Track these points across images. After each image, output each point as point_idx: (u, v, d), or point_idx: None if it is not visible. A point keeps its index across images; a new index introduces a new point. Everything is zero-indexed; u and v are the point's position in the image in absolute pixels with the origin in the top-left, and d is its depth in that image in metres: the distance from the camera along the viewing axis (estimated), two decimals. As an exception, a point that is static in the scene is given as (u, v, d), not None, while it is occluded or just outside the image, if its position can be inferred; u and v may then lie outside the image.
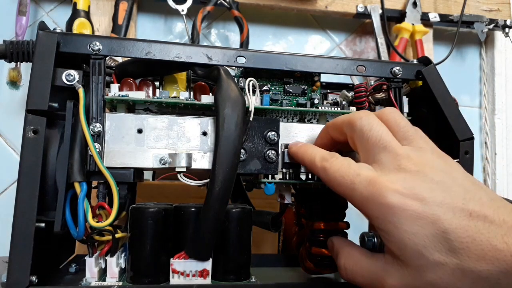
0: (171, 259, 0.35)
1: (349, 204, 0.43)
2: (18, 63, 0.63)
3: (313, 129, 0.40)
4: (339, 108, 0.41)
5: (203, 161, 0.37)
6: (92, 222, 0.34)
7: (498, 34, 0.94)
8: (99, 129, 0.35)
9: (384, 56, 0.81)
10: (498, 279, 0.24)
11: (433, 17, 0.86)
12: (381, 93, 0.43)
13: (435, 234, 0.25)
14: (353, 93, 0.42)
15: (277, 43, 0.89)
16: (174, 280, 0.35)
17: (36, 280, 0.32)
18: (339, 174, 0.30)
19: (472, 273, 0.24)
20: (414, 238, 0.26)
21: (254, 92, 0.38)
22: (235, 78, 0.39)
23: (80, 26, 0.72)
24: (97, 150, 0.34)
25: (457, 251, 0.24)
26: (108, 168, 0.34)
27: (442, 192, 0.26)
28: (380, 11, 0.83)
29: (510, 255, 0.23)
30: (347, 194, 0.30)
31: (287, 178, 0.38)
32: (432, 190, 0.27)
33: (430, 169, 0.28)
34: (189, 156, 0.36)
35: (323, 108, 0.41)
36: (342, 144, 0.36)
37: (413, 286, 0.26)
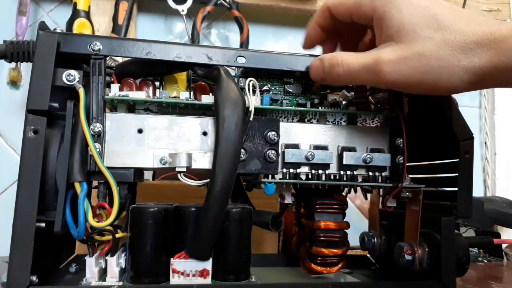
0: (171, 259, 0.35)
1: (349, 204, 0.43)
2: (18, 63, 0.63)
3: (313, 129, 0.40)
4: (339, 108, 0.41)
5: (203, 161, 0.37)
6: (92, 222, 0.34)
7: (498, 34, 0.94)
8: (100, 129, 0.35)
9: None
10: (470, 47, 0.31)
11: (433, 17, 0.86)
12: (381, 93, 0.43)
13: (428, 16, 0.32)
14: (353, 93, 0.42)
15: (277, 43, 0.89)
16: (174, 280, 0.35)
17: (36, 280, 0.32)
18: None
19: (451, 43, 0.31)
20: (412, 18, 0.33)
21: (254, 92, 0.38)
22: (235, 78, 0.39)
23: (80, 26, 0.72)
24: (98, 150, 0.34)
25: (442, 28, 0.32)
26: (108, 168, 0.34)
27: None
28: (380, 11, 0.83)
29: (482, 31, 0.31)
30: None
31: (287, 178, 0.38)
32: None
33: None
34: (189, 156, 0.36)
35: (323, 108, 0.41)
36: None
37: (404, 56, 0.32)
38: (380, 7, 0.34)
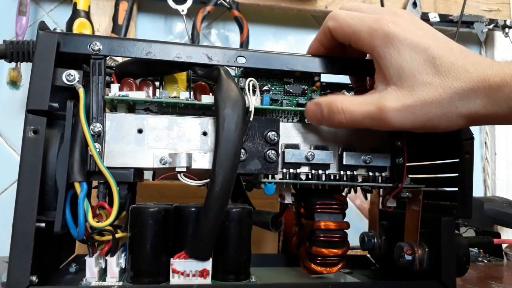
0: (171, 259, 0.35)
1: (349, 204, 0.43)
2: (18, 63, 0.63)
3: (313, 129, 0.40)
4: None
5: (203, 161, 0.37)
6: (92, 222, 0.34)
7: (498, 34, 0.94)
8: (99, 129, 0.35)
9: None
10: (467, 93, 0.32)
11: (433, 17, 0.86)
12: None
13: (426, 59, 0.33)
14: (353, 93, 0.42)
15: (277, 43, 0.89)
16: (174, 280, 0.35)
17: (36, 280, 0.32)
18: (348, 17, 0.37)
19: (450, 89, 0.32)
20: (411, 62, 0.33)
21: (254, 92, 0.38)
22: (235, 78, 0.39)
23: (80, 26, 0.73)
24: (97, 150, 0.34)
25: (441, 73, 0.32)
26: (108, 168, 0.34)
27: (430, 32, 0.35)
28: (380, 11, 0.83)
29: (477, 76, 0.32)
30: (356, 30, 0.36)
31: (287, 178, 0.38)
32: (423, 30, 0.35)
33: (418, 20, 0.36)
34: (189, 156, 0.36)
35: (323, 108, 0.41)
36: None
37: (408, 104, 0.33)
38: (380, 46, 0.34)
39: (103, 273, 0.37)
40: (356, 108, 0.35)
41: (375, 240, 0.47)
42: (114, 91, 0.37)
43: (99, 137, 0.35)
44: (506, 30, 0.89)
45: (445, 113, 0.33)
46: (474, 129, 0.42)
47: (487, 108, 0.32)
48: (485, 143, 0.95)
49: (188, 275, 0.35)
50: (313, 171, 0.39)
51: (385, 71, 0.35)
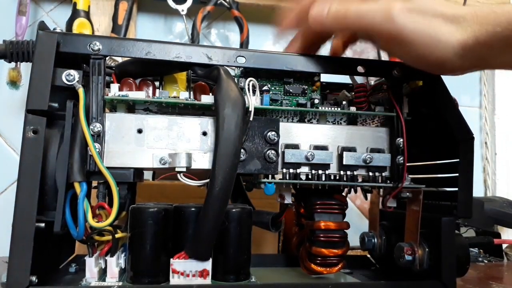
0: (171, 259, 0.35)
1: (349, 204, 0.43)
2: (18, 63, 0.63)
3: (313, 129, 0.40)
4: (339, 108, 0.41)
5: (203, 161, 0.37)
6: (92, 222, 0.34)
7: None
8: (99, 129, 0.35)
9: (384, 56, 0.81)
10: (459, 20, 0.33)
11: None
12: (381, 93, 0.43)
13: None
14: (353, 93, 0.42)
15: (277, 43, 0.89)
16: (174, 280, 0.35)
17: (36, 280, 0.32)
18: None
19: (443, 15, 0.33)
20: None
21: (254, 92, 0.38)
22: (235, 78, 0.39)
23: (80, 26, 0.72)
24: (97, 150, 0.34)
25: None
26: (108, 168, 0.34)
27: None
28: (380, 11, 0.83)
29: (467, 9, 0.33)
30: None
31: (287, 178, 0.38)
32: None
33: None
34: (189, 156, 0.36)
35: (323, 108, 0.41)
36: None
37: (411, 8, 0.34)
38: None
39: (103, 273, 0.37)
40: (364, 5, 0.36)
41: (375, 240, 0.47)
42: (114, 91, 0.37)
43: (98, 137, 0.35)
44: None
45: (441, 31, 0.33)
46: (474, 129, 0.42)
47: (476, 35, 0.32)
48: (485, 143, 0.95)
49: (188, 275, 0.35)
50: (313, 171, 0.39)
51: None
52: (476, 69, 0.36)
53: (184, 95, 0.38)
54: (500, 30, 0.31)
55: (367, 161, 0.39)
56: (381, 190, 0.44)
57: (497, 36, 0.31)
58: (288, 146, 0.39)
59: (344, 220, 0.42)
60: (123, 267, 0.38)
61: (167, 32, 0.85)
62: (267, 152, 0.37)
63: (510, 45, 0.32)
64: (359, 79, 0.44)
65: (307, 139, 0.40)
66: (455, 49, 0.33)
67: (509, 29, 0.31)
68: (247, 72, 0.40)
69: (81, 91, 0.35)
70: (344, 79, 0.44)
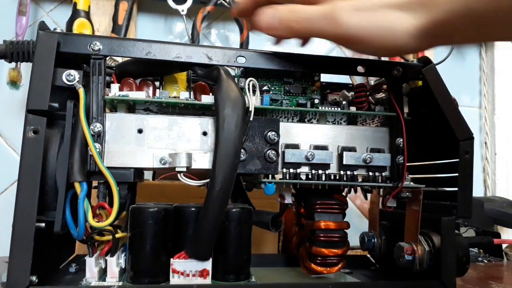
0: (171, 259, 0.35)
1: (349, 204, 0.43)
2: (18, 63, 0.63)
3: (313, 129, 0.40)
4: (339, 108, 0.41)
5: (203, 161, 0.37)
6: (92, 222, 0.34)
7: (498, 34, 0.94)
8: (99, 129, 0.35)
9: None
10: (412, 6, 0.32)
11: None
12: (381, 93, 0.43)
13: None
14: (353, 93, 0.42)
15: (277, 44, 0.89)
16: (174, 280, 0.35)
17: (36, 280, 0.32)
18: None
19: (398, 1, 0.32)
20: None
21: (254, 92, 0.38)
22: (235, 78, 0.39)
23: (80, 26, 0.72)
24: (97, 150, 0.34)
25: None
26: (108, 168, 0.34)
27: None
28: (380, 11, 0.83)
29: None
30: None
31: (287, 178, 0.38)
32: None
33: None
34: (189, 156, 0.36)
35: (323, 108, 0.41)
36: None
37: (358, 6, 0.33)
38: None
39: (103, 273, 0.37)
40: (311, 10, 0.35)
41: (375, 240, 0.47)
42: (114, 91, 0.37)
43: (99, 137, 0.35)
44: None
45: (394, 19, 0.32)
46: (474, 129, 0.42)
47: (429, 18, 0.31)
48: (485, 143, 0.95)
49: (188, 275, 0.35)
50: (313, 171, 0.39)
51: None
52: (440, 45, 0.35)
53: (184, 95, 0.38)
54: (457, 7, 0.30)
55: (367, 161, 0.39)
56: (381, 190, 0.44)
57: (454, 14, 0.30)
58: (288, 146, 0.39)
59: (344, 220, 0.42)
60: (123, 267, 0.38)
61: (167, 32, 0.85)
62: (267, 152, 0.37)
63: (470, 20, 0.30)
64: (359, 79, 0.44)
65: (307, 139, 0.40)
66: (412, 33, 0.32)
67: (465, 5, 0.29)
68: (247, 72, 0.40)
69: (81, 91, 0.35)
70: (344, 79, 0.44)
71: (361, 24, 0.33)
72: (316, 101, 0.41)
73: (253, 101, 0.37)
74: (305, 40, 0.41)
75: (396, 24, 0.32)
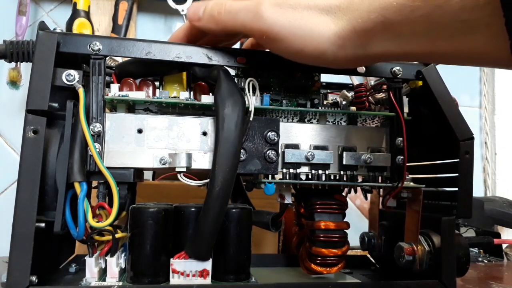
0: (171, 259, 0.35)
1: (349, 204, 0.43)
2: (18, 63, 0.63)
3: (313, 129, 0.40)
4: (339, 108, 0.41)
5: (203, 161, 0.37)
6: (92, 222, 0.34)
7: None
8: (99, 129, 0.35)
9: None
10: (334, 11, 0.32)
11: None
12: (381, 93, 0.43)
13: None
14: (353, 93, 0.42)
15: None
16: (174, 280, 0.35)
17: (36, 280, 0.32)
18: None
19: (319, 5, 0.32)
20: None
21: (254, 92, 0.38)
22: (235, 78, 0.39)
23: (80, 26, 0.73)
24: (97, 150, 0.34)
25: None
26: (108, 168, 0.34)
27: None
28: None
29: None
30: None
31: (287, 178, 0.38)
32: None
33: None
34: (189, 156, 0.36)
35: (323, 108, 0.41)
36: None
37: (280, 3, 0.33)
38: None
39: (103, 273, 0.37)
40: (238, 3, 0.35)
41: (375, 240, 0.47)
42: (114, 91, 0.37)
43: (99, 137, 0.35)
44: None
45: (315, 23, 0.32)
46: (474, 129, 0.42)
47: (352, 24, 0.31)
48: (485, 143, 0.95)
49: (188, 275, 0.35)
50: (313, 171, 0.39)
51: None
52: (360, 61, 0.35)
53: (184, 95, 0.38)
54: (374, 17, 0.30)
55: (367, 161, 0.39)
56: (381, 190, 0.44)
57: (372, 22, 0.30)
58: (288, 146, 0.39)
59: (344, 220, 0.42)
60: (123, 267, 0.38)
61: (167, 32, 0.85)
62: (267, 152, 0.37)
63: (387, 30, 0.30)
64: (359, 79, 0.44)
65: (307, 139, 0.40)
66: (331, 39, 0.32)
67: (382, 15, 0.29)
68: (247, 72, 0.40)
69: (81, 91, 0.35)
70: (344, 79, 0.44)
71: (284, 21, 0.33)
72: (316, 101, 0.41)
73: (253, 101, 0.37)
74: (232, 36, 0.41)
75: (317, 27, 0.32)
